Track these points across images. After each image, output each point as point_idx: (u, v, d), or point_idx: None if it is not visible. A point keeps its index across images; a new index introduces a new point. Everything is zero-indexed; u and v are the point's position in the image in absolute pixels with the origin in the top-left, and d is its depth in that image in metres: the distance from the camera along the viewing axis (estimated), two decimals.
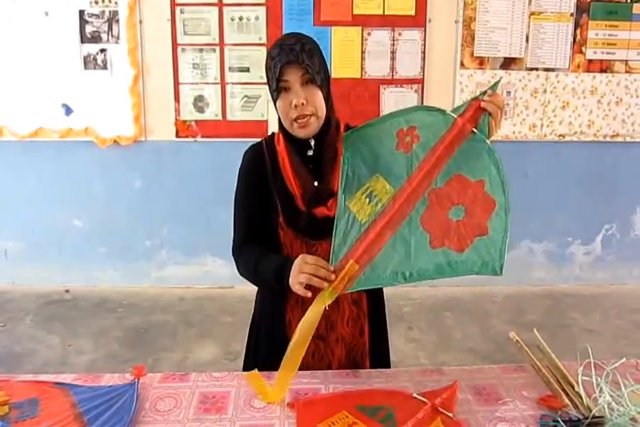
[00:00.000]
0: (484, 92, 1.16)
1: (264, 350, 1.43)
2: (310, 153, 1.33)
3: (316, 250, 1.33)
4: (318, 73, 1.26)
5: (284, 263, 1.22)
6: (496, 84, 1.20)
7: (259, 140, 1.43)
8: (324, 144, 1.33)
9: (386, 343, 1.52)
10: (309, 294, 1.15)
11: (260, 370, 1.29)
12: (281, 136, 1.36)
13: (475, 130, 1.15)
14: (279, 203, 1.33)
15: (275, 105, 1.31)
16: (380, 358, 1.46)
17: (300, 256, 1.19)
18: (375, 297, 1.43)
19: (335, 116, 1.37)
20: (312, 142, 1.32)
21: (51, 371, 2.72)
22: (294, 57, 1.24)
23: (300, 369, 1.32)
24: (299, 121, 1.27)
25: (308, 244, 1.34)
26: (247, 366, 1.47)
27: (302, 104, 1.25)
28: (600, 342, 3.03)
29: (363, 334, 1.39)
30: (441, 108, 1.18)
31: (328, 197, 1.32)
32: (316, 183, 1.32)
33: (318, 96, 1.27)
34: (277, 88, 1.27)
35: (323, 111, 1.29)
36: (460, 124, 1.15)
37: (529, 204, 3.84)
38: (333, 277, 1.16)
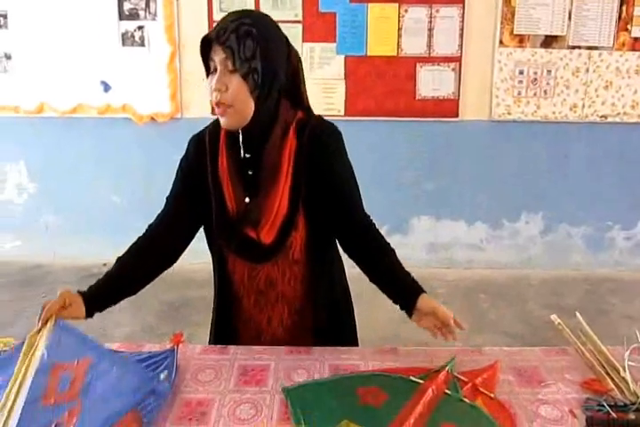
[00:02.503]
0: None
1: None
2: (248, 155, 1.19)
3: (257, 274, 1.27)
4: (248, 61, 1.09)
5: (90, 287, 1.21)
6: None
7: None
8: (261, 148, 1.18)
9: (348, 314, 1.43)
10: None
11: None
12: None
13: (448, 391, 1.09)
14: (214, 217, 1.23)
15: None
16: (335, 325, 1.36)
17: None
18: (321, 262, 1.29)
19: (287, 116, 1.19)
20: (240, 138, 1.17)
21: None
22: (216, 35, 1.09)
23: (244, 318, 1.34)
24: (218, 108, 1.14)
25: (248, 266, 1.27)
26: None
27: (219, 90, 1.10)
28: None
29: (309, 296, 1.30)
30: (402, 375, 1.13)
31: (256, 221, 1.19)
32: (247, 200, 1.20)
33: (238, 87, 1.10)
34: (206, 66, 1.14)
35: (244, 105, 1.11)
36: (430, 388, 1.08)
37: (568, 186, 3.77)
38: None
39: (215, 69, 1.12)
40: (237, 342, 1.33)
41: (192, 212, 1.27)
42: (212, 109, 4.22)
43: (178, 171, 1.30)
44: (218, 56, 1.10)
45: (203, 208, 1.25)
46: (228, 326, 1.36)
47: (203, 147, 1.25)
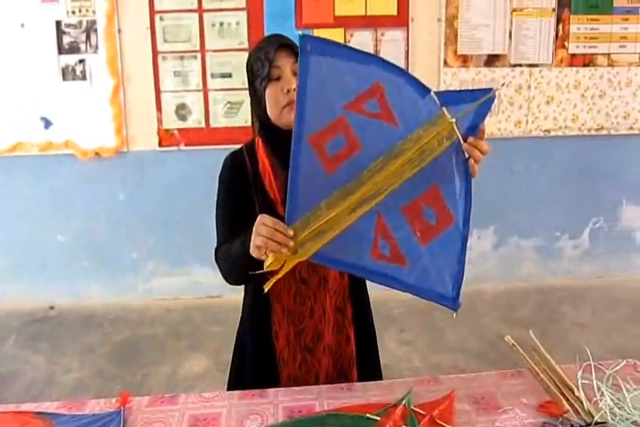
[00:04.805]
0: None
1: (251, 366, 1.39)
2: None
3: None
4: None
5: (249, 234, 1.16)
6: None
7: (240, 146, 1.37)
8: None
9: (375, 350, 1.48)
10: (264, 257, 1.07)
11: (246, 388, 1.27)
12: (260, 141, 1.30)
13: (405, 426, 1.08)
14: (259, 210, 1.25)
15: (261, 95, 1.24)
16: (369, 365, 1.42)
17: (259, 216, 1.09)
18: (360, 303, 1.39)
19: None
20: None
21: (37, 391, 2.67)
22: (286, 42, 1.24)
23: (287, 380, 1.30)
24: (289, 107, 1.20)
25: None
26: (232, 384, 1.43)
27: (294, 90, 1.17)
28: (592, 335, 3.02)
29: (349, 341, 1.36)
30: (358, 414, 1.12)
31: None
32: None
33: None
34: (268, 75, 1.22)
35: None
36: (387, 425, 1.08)
37: (515, 200, 3.85)
38: (292, 243, 1.05)
39: (279, 77, 1.23)
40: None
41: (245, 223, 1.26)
42: (160, 142, 4.11)
43: (220, 189, 1.35)
44: (286, 61, 1.22)
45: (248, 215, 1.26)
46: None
47: (241, 159, 1.32)
